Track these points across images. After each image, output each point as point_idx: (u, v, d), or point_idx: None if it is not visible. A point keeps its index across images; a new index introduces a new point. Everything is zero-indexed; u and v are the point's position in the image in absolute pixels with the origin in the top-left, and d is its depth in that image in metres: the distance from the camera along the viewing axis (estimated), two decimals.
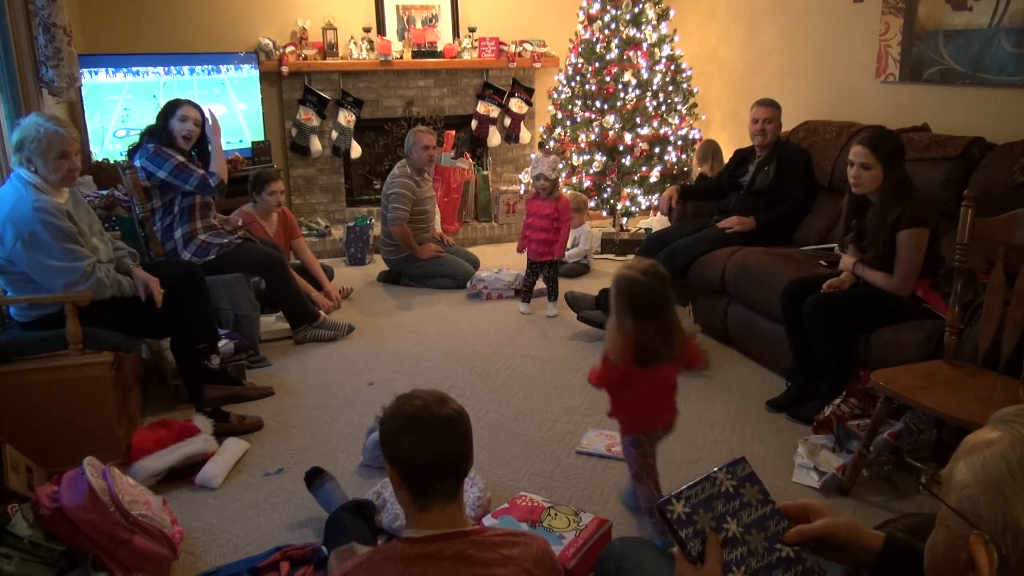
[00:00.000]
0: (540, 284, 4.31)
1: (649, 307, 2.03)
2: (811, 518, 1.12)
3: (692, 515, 1.05)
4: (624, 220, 5.52)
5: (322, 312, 3.92)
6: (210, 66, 4.97)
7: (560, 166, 4.21)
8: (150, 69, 4.73)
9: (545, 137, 5.57)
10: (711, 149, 4.97)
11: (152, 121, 3.50)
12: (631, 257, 4.24)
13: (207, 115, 3.56)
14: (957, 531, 0.81)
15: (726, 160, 4.93)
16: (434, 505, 1.37)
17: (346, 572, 1.35)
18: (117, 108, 4.61)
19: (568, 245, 4.95)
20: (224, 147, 3.60)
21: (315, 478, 2.41)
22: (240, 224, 3.91)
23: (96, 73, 4.51)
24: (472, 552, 1.33)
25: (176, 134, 3.41)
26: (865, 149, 2.75)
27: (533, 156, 5.69)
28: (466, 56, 5.74)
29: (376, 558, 1.36)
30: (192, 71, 4.90)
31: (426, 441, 1.34)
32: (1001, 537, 0.75)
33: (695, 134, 5.31)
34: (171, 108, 3.44)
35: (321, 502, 2.36)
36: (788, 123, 4.02)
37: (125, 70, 4.63)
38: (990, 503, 0.77)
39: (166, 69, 4.79)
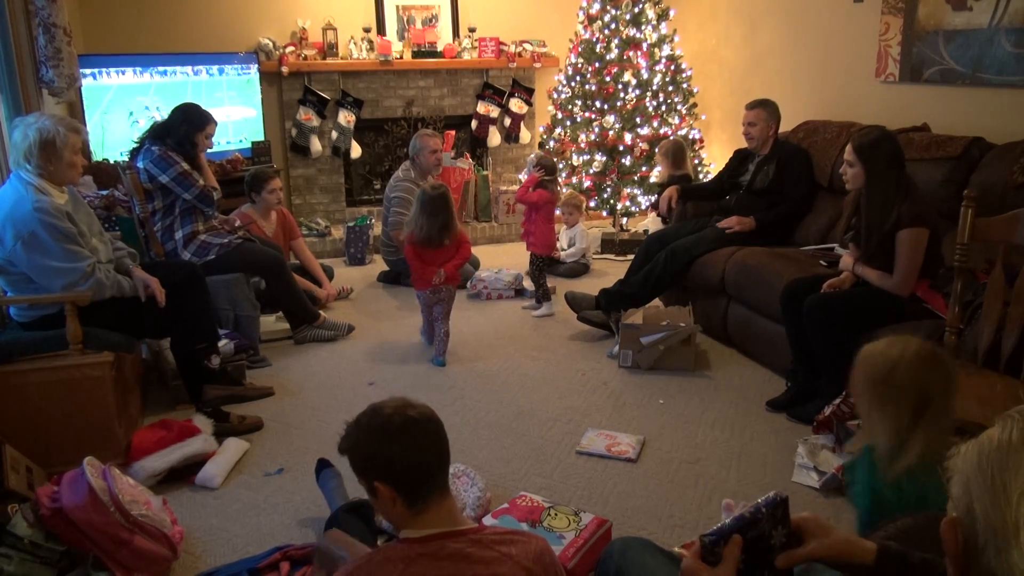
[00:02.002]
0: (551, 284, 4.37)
1: (429, 208, 3.41)
2: (804, 537, 1.12)
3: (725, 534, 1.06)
4: (624, 220, 5.52)
5: (322, 312, 3.93)
6: (210, 66, 4.97)
7: (534, 159, 4.30)
8: (149, 69, 4.73)
9: (545, 137, 5.57)
10: (678, 149, 4.71)
11: (153, 122, 3.50)
12: (631, 257, 4.26)
13: None
14: (948, 512, 0.85)
15: (691, 159, 4.90)
16: (431, 503, 1.38)
17: (347, 574, 1.35)
18: (141, 108, 4.61)
19: (565, 245, 4.97)
20: (223, 148, 3.62)
21: (323, 470, 2.44)
22: (240, 224, 3.91)
23: (93, 75, 4.50)
24: (471, 550, 1.34)
25: (200, 150, 3.47)
26: (849, 146, 2.83)
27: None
28: (466, 56, 5.74)
29: (376, 559, 1.36)
30: (195, 71, 4.89)
31: (415, 442, 1.37)
32: (967, 521, 0.79)
33: (695, 134, 5.31)
34: (200, 121, 3.44)
35: (325, 495, 2.37)
36: (788, 123, 4.02)
37: (121, 70, 4.62)
38: (961, 489, 0.81)
39: (169, 69, 4.79)
